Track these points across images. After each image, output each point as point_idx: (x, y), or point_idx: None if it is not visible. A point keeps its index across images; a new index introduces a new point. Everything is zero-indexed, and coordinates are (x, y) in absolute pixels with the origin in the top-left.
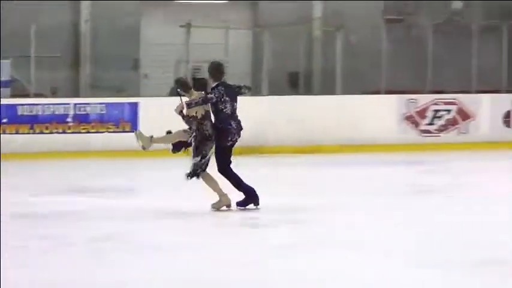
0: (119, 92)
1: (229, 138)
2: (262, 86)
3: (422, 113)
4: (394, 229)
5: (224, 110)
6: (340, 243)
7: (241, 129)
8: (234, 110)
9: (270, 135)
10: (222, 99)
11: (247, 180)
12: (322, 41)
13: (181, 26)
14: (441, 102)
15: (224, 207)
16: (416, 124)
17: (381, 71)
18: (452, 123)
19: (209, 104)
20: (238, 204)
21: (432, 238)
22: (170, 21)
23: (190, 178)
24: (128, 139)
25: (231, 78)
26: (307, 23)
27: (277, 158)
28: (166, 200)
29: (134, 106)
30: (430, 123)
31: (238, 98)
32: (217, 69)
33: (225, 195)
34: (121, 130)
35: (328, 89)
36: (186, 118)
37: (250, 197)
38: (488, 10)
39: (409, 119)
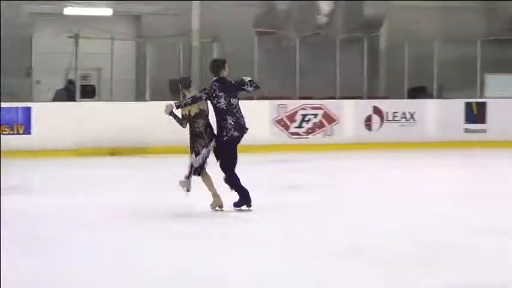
0: (12, 97)
1: (225, 134)
2: (146, 92)
3: (291, 117)
4: (273, 223)
5: (218, 105)
6: (225, 237)
7: (242, 125)
8: (230, 105)
9: (153, 137)
10: (214, 95)
11: (128, 179)
12: (199, 51)
13: (70, 37)
14: (308, 107)
15: (217, 208)
16: (286, 127)
17: (254, 79)
18: (319, 126)
19: (207, 102)
20: (235, 204)
21: (308, 230)
22: (60, 33)
23: (191, 174)
24: (22, 141)
25: (116, 85)
26: (186, 34)
27: (160, 159)
28: (69, 197)
29: (27, 110)
30: (299, 126)
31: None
32: (213, 65)
33: (218, 196)
34: (15, 132)
35: None
36: (177, 118)
37: (244, 199)
38: (350, 23)
39: (280, 122)
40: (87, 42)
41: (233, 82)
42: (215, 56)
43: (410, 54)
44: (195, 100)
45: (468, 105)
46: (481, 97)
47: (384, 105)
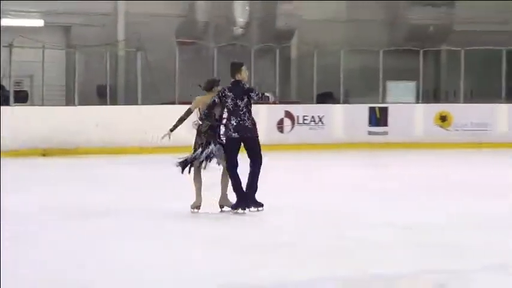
0: None
1: (226, 134)
2: (75, 97)
3: None
4: (180, 216)
5: (226, 105)
6: (141, 232)
7: (244, 127)
8: (237, 106)
9: (82, 139)
10: (223, 95)
11: (61, 178)
12: (125, 60)
13: (5, 46)
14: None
15: (195, 209)
16: None
17: (175, 85)
18: None
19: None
20: (232, 207)
21: (228, 226)
22: None
23: (182, 171)
24: None
25: (47, 90)
26: (112, 44)
27: (88, 159)
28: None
29: None
30: None
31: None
32: (231, 68)
33: (199, 197)
34: None
35: (130, 99)
36: (175, 126)
37: (240, 202)
38: (264, 35)
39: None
40: (21, 51)
41: (245, 86)
42: (139, 64)
43: (318, 63)
44: (210, 108)
45: (371, 110)
46: (383, 102)
47: (295, 109)
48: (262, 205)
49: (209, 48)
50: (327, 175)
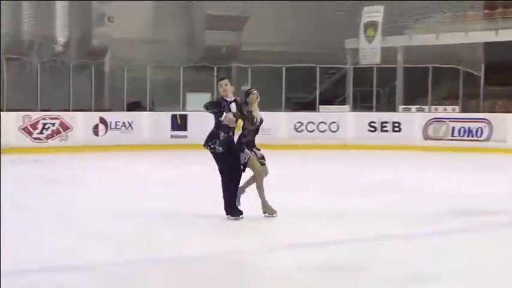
0: None
1: None
2: None
3: (34, 125)
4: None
5: None
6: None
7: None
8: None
9: None
10: None
11: None
12: None
13: None
14: (48, 117)
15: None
16: (30, 133)
17: (3, 95)
18: (56, 132)
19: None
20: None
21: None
22: None
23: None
24: None
25: None
26: None
27: None
28: None
29: None
30: (41, 133)
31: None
32: None
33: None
34: None
35: None
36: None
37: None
38: (81, 52)
39: (25, 129)
40: None
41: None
42: None
43: (128, 77)
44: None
45: (173, 117)
46: (183, 110)
47: (108, 116)
48: (240, 214)
49: (33, 63)
50: (135, 173)
